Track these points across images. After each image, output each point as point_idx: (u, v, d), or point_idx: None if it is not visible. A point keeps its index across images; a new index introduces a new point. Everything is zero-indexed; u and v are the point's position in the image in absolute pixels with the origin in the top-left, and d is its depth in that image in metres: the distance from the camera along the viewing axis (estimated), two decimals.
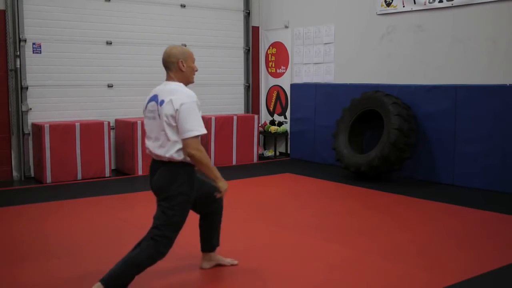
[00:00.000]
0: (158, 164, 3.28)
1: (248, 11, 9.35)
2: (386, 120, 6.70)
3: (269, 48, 9.58)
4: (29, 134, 7.27)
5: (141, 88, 8.18)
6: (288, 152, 9.29)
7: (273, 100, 9.61)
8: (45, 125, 6.93)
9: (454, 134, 6.66)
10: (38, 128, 7.01)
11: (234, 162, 8.45)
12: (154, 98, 3.28)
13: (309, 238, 4.51)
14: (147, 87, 8.08)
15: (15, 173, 7.27)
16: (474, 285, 3.49)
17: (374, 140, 7.09)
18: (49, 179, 6.96)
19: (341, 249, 4.20)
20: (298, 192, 6.55)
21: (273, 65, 9.54)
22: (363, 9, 7.86)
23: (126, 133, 7.63)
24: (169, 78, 3.34)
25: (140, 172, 7.51)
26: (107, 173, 7.42)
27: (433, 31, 6.98)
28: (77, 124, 7.16)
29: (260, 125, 9.33)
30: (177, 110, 3.12)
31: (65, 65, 7.51)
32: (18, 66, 7.11)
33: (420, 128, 6.93)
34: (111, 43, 7.88)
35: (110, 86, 7.95)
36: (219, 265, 3.75)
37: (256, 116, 8.83)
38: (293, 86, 9.13)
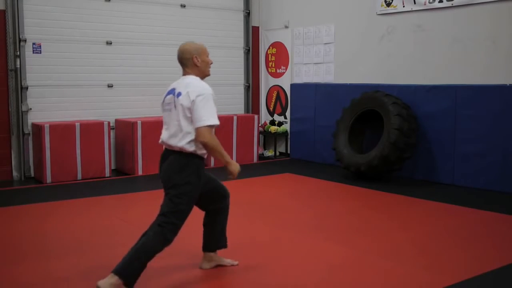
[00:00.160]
0: (169, 153, 3.38)
1: (248, 11, 9.35)
2: (386, 120, 6.70)
3: (269, 48, 9.58)
4: (29, 134, 7.27)
5: (141, 88, 8.20)
6: (288, 152, 9.29)
7: (273, 100, 9.61)
8: (45, 125, 6.93)
9: (454, 134, 6.66)
10: (38, 128, 7.01)
11: None
12: (172, 91, 3.42)
13: (309, 238, 4.51)
14: (147, 87, 8.27)
15: (15, 173, 7.27)
16: (474, 285, 3.49)
17: (374, 140, 7.09)
18: (49, 179, 6.96)
19: (341, 249, 4.20)
20: (298, 192, 6.55)
21: (273, 65, 9.54)
22: (363, 9, 7.86)
23: (126, 133, 7.63)
24: (185, 73, 3.47)
25: (140, 172, 7.51)
26: (107, 173, 7.42)
27: (433, 31, 6.98)
28: (77, 124, 7.16)
29: (260, 125, 9.33)
30: (193, 101, 3.25)
31: (65, 65, 7.51)
32: (18, 66, 7.11)
33: (420, 128, 6.93)
34: (111, 43, 7.88)
35: (110, 86, 7.95)
36: (219, 266, 3.75)
37: (256, 116, 8.83)
38: (293, 86, 9.13)
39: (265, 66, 9.70)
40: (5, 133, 7.17)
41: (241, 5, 9.31)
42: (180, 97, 3.29)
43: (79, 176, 7.19)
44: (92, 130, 7.26)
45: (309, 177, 7.32)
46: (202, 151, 3.35)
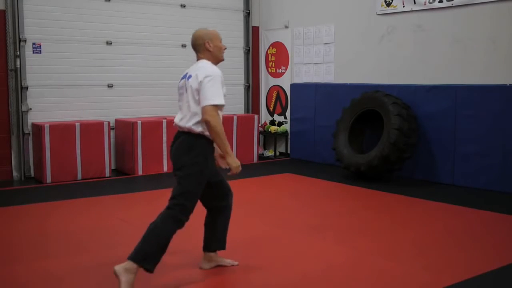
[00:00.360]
0: (179, 135, 3.45)
1: (248, 11, 9.35)
2: (386, 120, 6.70)
3: (269, 48, 9.58)
4: (29, 134, 7.27)
5: (141, 88, 8.20)
6: (288, 152, 9.29)
7: (273, 100, 9.61)
8: (45, 125, 6.93)
9: (454, 134, 6.66)
10: (38, 128, 7.01)
11: None
12: (185, 76, 3.52)
13: (309, 237, 4.51)
14: (147, 87, 8.27)
15: (15, 173, 7.27)
16: (474, 285, 3.49)
17: (374, 140, 7.09)
18: (49, 179, 6.96)
19: (341, 249, 4.20)
20: (298, 192, 6.55)
21: (273, 65, 9.54)
22: (363, 9, 7.86)
23: (126, 133, 7.63)
24: (198, 59, 3.54)
25: (140, 172, 7.51)
26: (107, 173, 7.42)
27: (433, 31, 6.98)
28: (77, 124, 7.16)
29: (260, 125, 9.33)
30: (200, 81, 3.31)
31: (65, 65, 7.51)
32: (18, 66, 7.11)
33: (420, 128, 6.93)
34: (111, 43, 7.88)
35: (110, 86, 7.95)
36: (219, 266, 3.75)
37: (256, 116, 8.83)
38: (293, 86, 9.13)
39: (265, 66, 9.70)
40: (5, 133, 7.17)
41: (241, 5, 9.31)
42: (190, 80, 3.38)
43: (79, 176, 7.19)
44: (92, 130, 7.26)
45: (309, 177, 7.33)
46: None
